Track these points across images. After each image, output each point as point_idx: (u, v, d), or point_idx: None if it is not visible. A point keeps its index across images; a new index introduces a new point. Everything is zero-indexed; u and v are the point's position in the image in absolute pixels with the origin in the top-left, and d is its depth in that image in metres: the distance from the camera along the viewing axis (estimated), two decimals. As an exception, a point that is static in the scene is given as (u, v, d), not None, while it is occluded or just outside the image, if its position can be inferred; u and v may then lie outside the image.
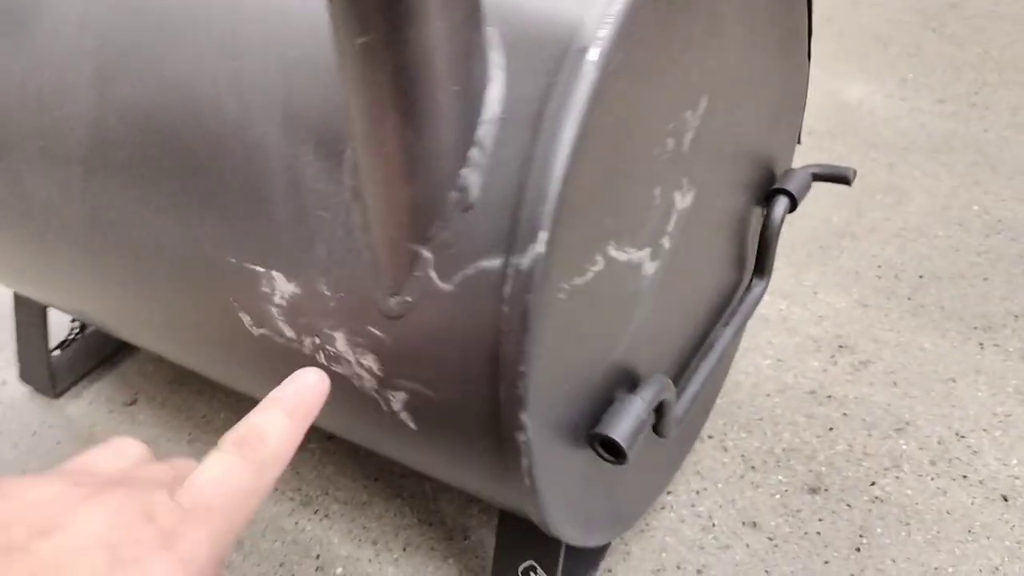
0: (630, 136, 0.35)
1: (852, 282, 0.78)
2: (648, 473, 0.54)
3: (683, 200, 0.42)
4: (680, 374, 0.49)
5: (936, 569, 0.54)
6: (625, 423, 0.40)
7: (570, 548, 0.49)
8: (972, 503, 0.58)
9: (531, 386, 0.34)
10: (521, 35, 0.32)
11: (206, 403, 0.72)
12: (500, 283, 0.33)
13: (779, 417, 0.65)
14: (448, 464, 0.41)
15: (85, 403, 0.74)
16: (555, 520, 0.40)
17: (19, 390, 0.76)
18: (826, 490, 0.59)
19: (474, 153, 0.33)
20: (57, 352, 0.75)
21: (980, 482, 0.59)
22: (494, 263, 0.33)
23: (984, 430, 0.63)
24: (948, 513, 0.57)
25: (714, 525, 0.58)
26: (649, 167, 0.38)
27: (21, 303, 0.73)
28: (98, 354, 0.79)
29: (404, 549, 0.58)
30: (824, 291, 0.77)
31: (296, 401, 0.35)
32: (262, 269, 0.39)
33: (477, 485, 0.42)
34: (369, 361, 0.38)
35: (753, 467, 0.62)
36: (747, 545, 0.56)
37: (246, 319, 0.42)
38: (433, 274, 0.34)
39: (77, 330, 0.81)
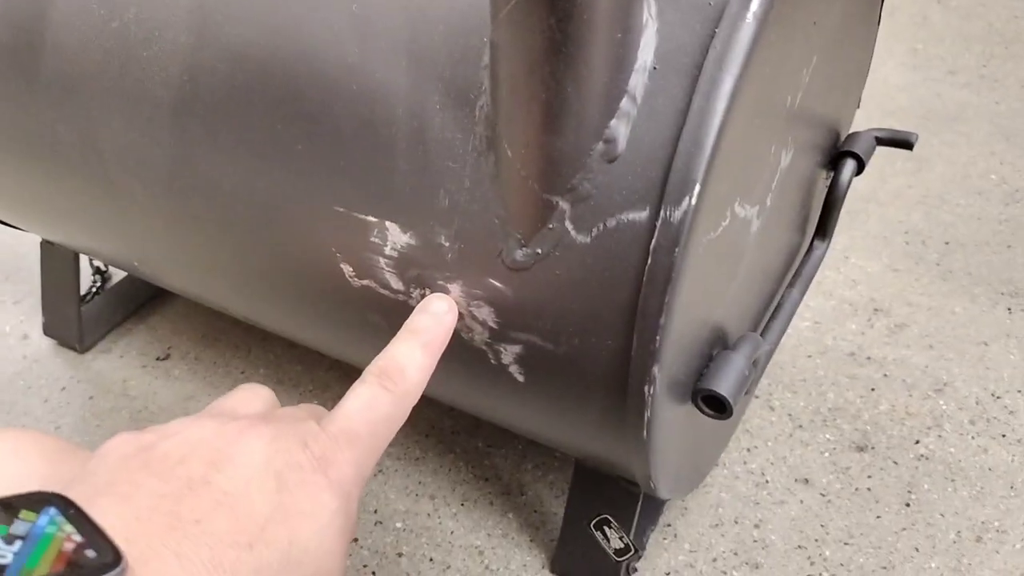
0: (768, 91, 0.35)
1: (882, 247, 0.79)
2: (719, 429, 0.55)
3: (785, 159, 0.43)
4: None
5: (983, 523, 0.56)
6: (729, 378, 0.40)
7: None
8: (1012, 460, 0.60)
9: (667, 340, 0.34)
10: (676, -16, 0.32)
11: (242, 358, 0.71)
12: (645, 235, 0.33)
13: (822, 378, 0.67)
14: (551, 417, 0.41)
15: (115, 358, 0.72)
16: (658, 473, 0.41)
17: (43, 344, 0.74)
18: (873, 448, 0.61)
19: (624, 103, 0.32)
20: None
21: (1019, 440, 0.61)
22: (640, 215, 0.33)
23: (1019, 391, 0.65)
24: (990, 470, 0.60)
25: (767, 482, 0.59)
26: (772, 123, 0.38)
27: (49, 253, 0.70)
28: (124, 308, 0.77)
29: (462, 504, 0.59)
30: (855, 255, 0.78)
31: (431, 333, 0.36)
32: (374, 219, 0.38)
33: (577, 438, 0.42)
34: (484, 314, 0.38)
35: (800, 426, 0.63)
36: (801, 501, 0.58)
37: (347, 270, 0.41)
38: (569, 226, 0.34)
39: (99, 283, 0.79)
